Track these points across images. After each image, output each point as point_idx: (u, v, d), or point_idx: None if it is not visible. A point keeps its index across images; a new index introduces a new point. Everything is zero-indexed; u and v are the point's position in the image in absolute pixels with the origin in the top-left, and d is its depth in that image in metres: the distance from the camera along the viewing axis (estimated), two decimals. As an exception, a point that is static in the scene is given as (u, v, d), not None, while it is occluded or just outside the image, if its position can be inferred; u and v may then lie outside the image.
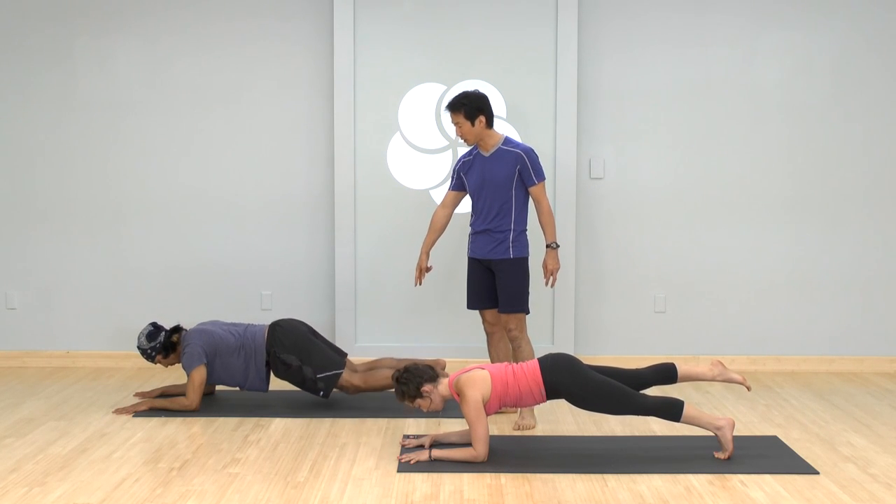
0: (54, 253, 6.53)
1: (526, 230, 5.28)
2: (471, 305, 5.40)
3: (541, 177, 5.22)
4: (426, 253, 5.45)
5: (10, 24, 6.42)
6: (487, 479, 4.24)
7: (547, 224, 5.27)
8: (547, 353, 4.70)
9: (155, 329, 5.44)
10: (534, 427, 5.06)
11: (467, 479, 4.22)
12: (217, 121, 6.45)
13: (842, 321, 6.45)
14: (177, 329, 5.49)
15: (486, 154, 5.25)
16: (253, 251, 6.50)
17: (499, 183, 5.20)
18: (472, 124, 5.18)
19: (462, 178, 5.35)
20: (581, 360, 4.61)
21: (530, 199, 5.28)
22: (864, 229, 6.41)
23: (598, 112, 6.36)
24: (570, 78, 6.26)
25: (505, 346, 5.36)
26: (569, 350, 6.30)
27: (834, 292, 6.44)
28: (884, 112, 6.36)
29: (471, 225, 5.36)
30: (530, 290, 5.32)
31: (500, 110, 6.32)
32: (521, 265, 5.24)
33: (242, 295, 6.50)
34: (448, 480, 4.21)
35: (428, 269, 5.47)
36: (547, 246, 5.28)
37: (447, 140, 6.35)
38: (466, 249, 5.42)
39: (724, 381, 4.64)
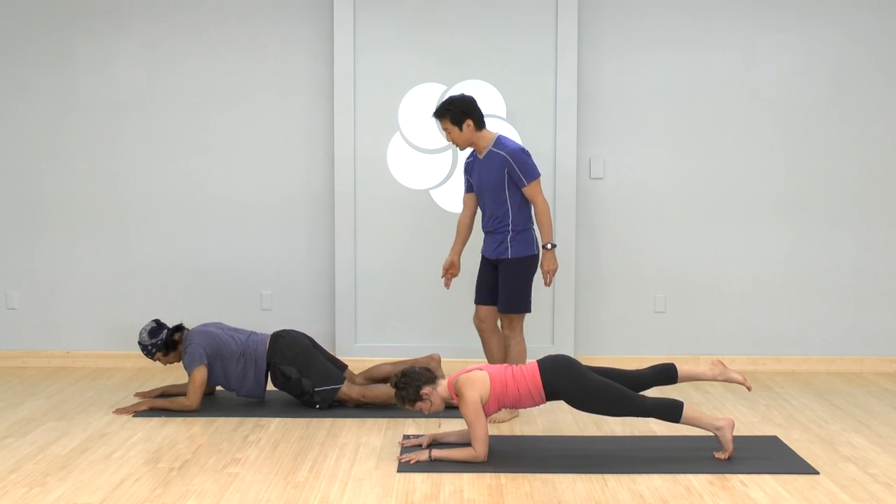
0: (54, 253, 6.53)
1: (528, 229, 5.25)
2: (475, 299, 5.43)
3: (531, 176, 5.16)
4: (453, 253, 5.47)
5: (11, 26, 6.42)
6: (487, 479, 4.24)
7: (542, 224, 5.21)
8: (547, 353, 4.69)
9: (158, 326, 5.44)
10: (507, 420, 5.11)
11: (467, 479, 4.22)
12: (217, 121, 6.45)
13: (842, 321, 6.45)
14: (179, 328, 5.49)
15: (481, 156, 5.26)
16: (253, 251, 6.50)
17: (493, 185, 5.20)
18: (461, 129, 5.18)
19: (469, 180, 5.37)
20: (581, 360, 4.61)
21: None
22: (863, 229, 6.41)
23: (598, 112, 6.37)
24: (570, 78, 6.26)
25: (497, 340, 5.34)
26: (569, 350, 6.31)
27: (834, 292, 6.44)
28: (881, 112, 6.36)
29: (482, 226, 5.41)
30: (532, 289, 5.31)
31: (500, 110, 6.32)
32: (520, 265, 5.22)
33: (242, 295, 6.50)
34: (448, 480, 4.21)
35: (453, 273, 5.48)
36: (542, 247, 5.24)
37: (447, 140, 6.34)
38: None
39: (724, 380, 4.64)
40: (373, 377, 5.57)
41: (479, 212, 5.46)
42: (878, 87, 6.35)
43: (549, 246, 5.23)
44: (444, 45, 6.33)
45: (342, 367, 5.56)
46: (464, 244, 5.50)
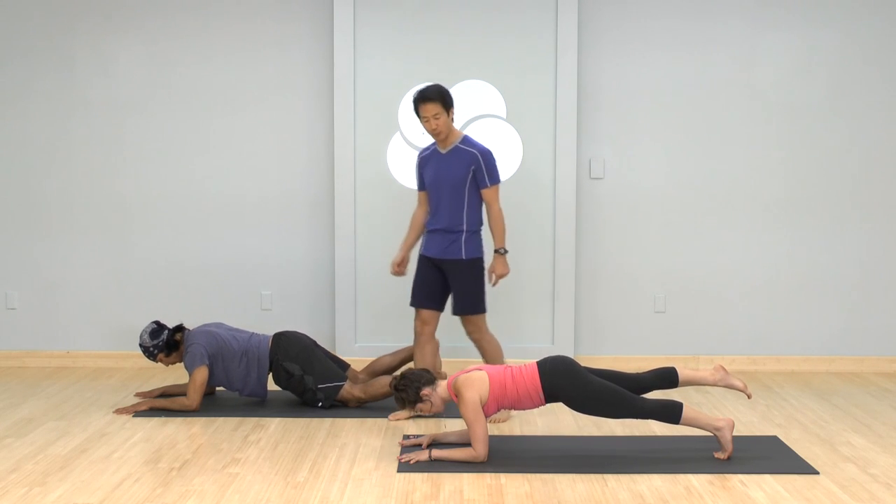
0: (54, 253, 6.53)
1: (479, 231, 5.23)
2: (413, 303, 5.33)
3: (495, 180, 5.15)
4: (404, 249, 5.42)
5: (12, 27, 6.42)
6: (487, 479, 4.24)
7: (496, 229, 5.18)
8: (547, 353, 4.69)
9: (158, 327, 5.44)
10: (505, 420, 5.09)
11: (467, 479, 4.22)
12: (218, 121, 6.45)
13: (842, 321, 6.46)
14: (179, 328, 5.49)
15: (444, 151, 5.20)
16: (253, 251, 6.50)
17: (454, 182, 5.13)
18: (448, 116, 5.13)
19: (422, 175, 5.31)
20: (581, 360, 4.61)
21: None
22: (863, 229, 6.41)
23: (598, 112, 6.37)
24: (570, 78, 6.26)
25: (431, 347, 5.27)
26: (569, 350, 6.31)
27: (834, 292, 6.44)
28: (881, 113, 6.36)
29: (426, 224, 5.32)
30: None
31: (500, 110, 6.32)
32: (474, 266, 5.18)
33: (242, 295, 6.50)
34: (448, 480, 4.21)
35: (403, 271, 5.43)
36: (495, 251, 5.19)
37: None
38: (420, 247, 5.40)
39: (725, 386, 4.63)
40: (374, 370, 5.59)
41: None
42: (877, 88, 6.35)
43: (502, 251, 5.19)
44: (444, 46, 6.33)
45: (344, 366, 5.57)
46: (416, 241, 5.43)
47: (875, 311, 6.45)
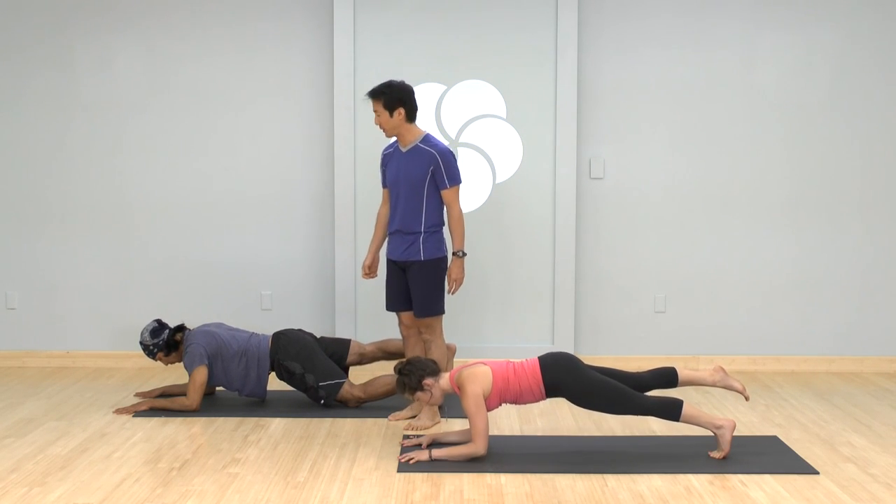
0: (54, 253, 6.53)
1: (439, 231, 5.16)
2: (388, 307, 5.32)
3: (454, 181, 5.07)
4: (372, 251, 5.38)
5: (12, 28, 6.42)
6: (487, 479, 4.24)
7: (455, 231, 5.11)
8: (548, 352, 4.69)
9: (159, 326, 5.45)
10: (429, 427, 5.01)
11: (467, 479, 4.22)
12: (218, 121, 6.45)
13: (842, 321, 6.45)
14: (180, 328, 5.49)
15: (404, 150, 5.14)
16: (253, 251, 6.50)
17: (412, 181, 5.07)
18: (391, 115, 5.03)
19: (385, 173, 5.27)
20: (581, 359, 4.61)
21: None
22: (863, 229, 6.41)
23: (598, 112, 6.36)
24: (570, 78, 6.26)
25: (422, 349, 5.25)
26: (569, 350, 6.31)
27: (834, 292, 6.44)
28: (882, 113, 6.36)
29: (388, 224, 5.29)
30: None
31: (500, 110, 6.32)
32: (433, 266, 5.12)
33: (242, 295, 6.50)
34: (448, 480, 4.21)
35: (372, 273, 5.40)
36: (453, 254, 5.13)
37: (446, 140, 6.35)
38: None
39: (724, 387, 4.64)
40: (384, 348, 5.62)
41: None
42: (878, 87, 6.35)
43: (460, 254, 5.12)
44: (444, 45, 6.33)
45: (346, 344, 5.56)
46: (383, 241, 5.39)
47: (875, 311, 6.45)
